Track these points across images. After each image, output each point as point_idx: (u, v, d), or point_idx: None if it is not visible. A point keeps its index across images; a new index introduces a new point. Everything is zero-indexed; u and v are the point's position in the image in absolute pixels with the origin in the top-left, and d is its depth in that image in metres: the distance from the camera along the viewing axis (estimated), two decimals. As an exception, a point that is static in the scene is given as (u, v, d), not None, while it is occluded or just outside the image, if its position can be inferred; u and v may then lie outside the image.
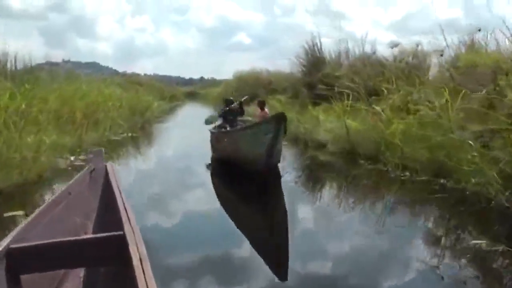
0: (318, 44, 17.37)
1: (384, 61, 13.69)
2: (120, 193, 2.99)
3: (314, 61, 17.20)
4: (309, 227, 5.10)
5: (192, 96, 55.85)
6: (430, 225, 5.09)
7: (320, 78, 15.89)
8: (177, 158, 10.40)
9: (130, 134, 12.89)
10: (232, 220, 5.19)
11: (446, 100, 7.06)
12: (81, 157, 8.92)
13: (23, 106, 8.78)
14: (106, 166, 3.81)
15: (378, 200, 6.21)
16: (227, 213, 5.52)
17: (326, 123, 10.52)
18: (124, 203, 2.73)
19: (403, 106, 10.41)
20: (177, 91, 49.21)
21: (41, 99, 11.29)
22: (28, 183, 6.54)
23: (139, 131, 14.44)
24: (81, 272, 2.76)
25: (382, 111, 9.63)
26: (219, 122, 9.71)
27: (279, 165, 7.39)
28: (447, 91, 7.07)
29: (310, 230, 4.95)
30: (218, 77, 61.68)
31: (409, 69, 12.53)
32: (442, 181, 6.35)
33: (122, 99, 15.66)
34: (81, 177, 3.52)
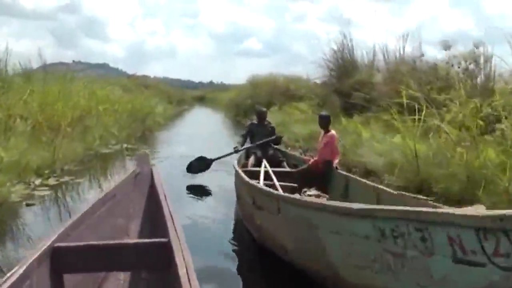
0: (349, 46, 15.00)
1: (436, 65, 11.37)
2: (166, 198, 2.93)
3: (345, 65, 14.84)
4: None
5: (201, 100, 54.05)
6: None
7: (352, 84, 13.57)
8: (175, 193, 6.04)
9: (125, 145, 10.58)
10: None
11: None
12: (51, 181, 6.59)
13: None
14: (151, 170, 3.75)
15: None
16: None
17: (374, 143, 8.16)
18: (169, 209, 2.68)
19: (471, 123, 8.08)
20: (185, 95, 47.25)
21: (20, 101, 9.20)
22: None
23: (137, 141, 12.11)
24: (122, 275, 2.72)
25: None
26: (246, 145, 6.78)
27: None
28: None
29: None
30: (227, 81, 60.06)
31: (470, 75, 10.25)
32: None
33: (119, 102, 13.36)
34: (126, 179, 3.46)
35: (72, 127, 9.87)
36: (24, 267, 1.87)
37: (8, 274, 1.80)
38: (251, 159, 6.34)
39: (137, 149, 10.63)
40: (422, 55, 11.92)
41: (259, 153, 6.42)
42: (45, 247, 2.09)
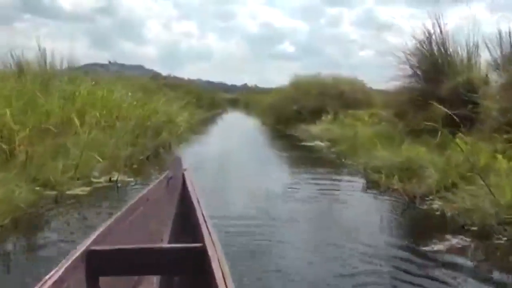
0: (441, 34, 10.74)
1: None
2: (199, 202, 2.94)
3: (436, 61, 10.64)
4: None
5: (234, 103, 50.76)
6: None
7: (454, 88, 9.41)
8: None
9: (116, 178, 6.69)
10: None
11: None
12: None
13: None
14: (183, 174, 3.58)
15: None
16: None
17: None
18: (203, 213, 2.68)
19: None
20: (218, 97, 43.75)
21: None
22: None
23: (141, 166, 8.26)
24: (154, 279, 2.68)
25: None
26: None
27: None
28: None
29: None
30: (260, 84, 56.79)
31: None
32: None
33: (122, 108, 9.55)
34: (158, 183, 3.42)
35: (31, 148, 6.19)
36: (61, 271, 1.88)
37: (46, 278, 1.79)
38: None
39: (133, 185, 6.75)
40: None
41: None
42: (81, 250, 2.11)
